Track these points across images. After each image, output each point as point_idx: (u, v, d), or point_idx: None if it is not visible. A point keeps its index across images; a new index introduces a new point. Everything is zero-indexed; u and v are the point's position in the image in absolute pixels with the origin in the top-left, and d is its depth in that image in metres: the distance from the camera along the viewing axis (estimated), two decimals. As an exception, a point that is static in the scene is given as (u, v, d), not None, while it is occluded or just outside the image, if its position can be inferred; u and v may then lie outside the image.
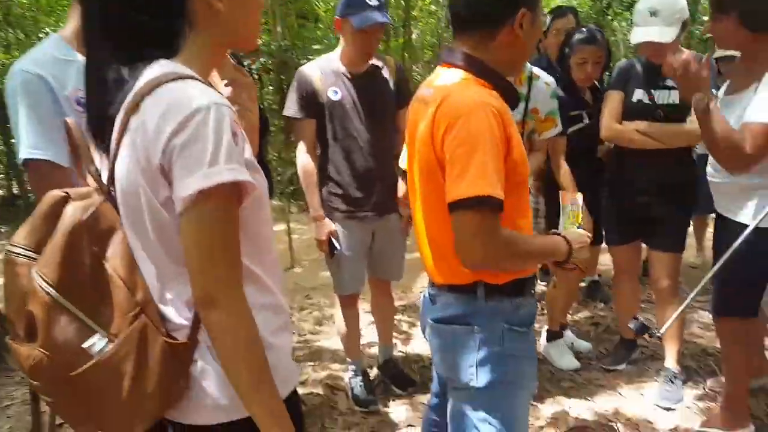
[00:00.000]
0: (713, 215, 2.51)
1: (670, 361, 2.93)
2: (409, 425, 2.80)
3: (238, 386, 1.04)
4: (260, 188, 1.08)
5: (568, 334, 3.42)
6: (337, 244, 2.76)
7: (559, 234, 1.54)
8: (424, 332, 1.71)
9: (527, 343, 1.54)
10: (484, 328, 1.46)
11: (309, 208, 2.83)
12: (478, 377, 1.46)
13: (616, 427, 2.64)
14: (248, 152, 1.08)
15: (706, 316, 3.85)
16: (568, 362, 3.20)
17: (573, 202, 1.82)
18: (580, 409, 2.81)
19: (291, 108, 2.72)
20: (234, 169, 0.98)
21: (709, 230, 4.66)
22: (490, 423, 1.49)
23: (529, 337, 1.54)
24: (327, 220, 2.76)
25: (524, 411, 1.59)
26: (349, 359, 3.10)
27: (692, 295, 2.10)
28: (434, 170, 1.41)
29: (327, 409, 3.00)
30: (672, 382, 2.86)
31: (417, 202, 1.56)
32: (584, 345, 3.41)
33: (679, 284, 2.92)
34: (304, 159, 2.75)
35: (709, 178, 2.38)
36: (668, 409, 2.77)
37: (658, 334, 2.19)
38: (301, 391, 3.16)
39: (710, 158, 2.30)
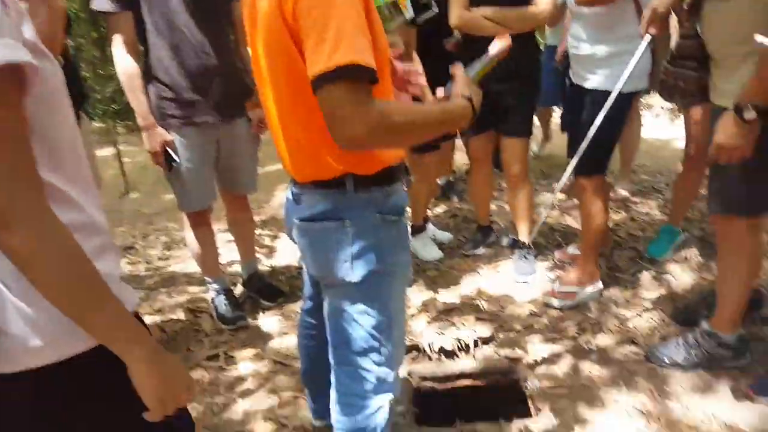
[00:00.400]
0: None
1: (523, 237, 3.11)
2: (283, 334, 2.70)
3: (73, 314, 0.85)
4: (52, 79, 0.86)
5: (430, 227, 3.48)
6: (174, 156, 2.44)
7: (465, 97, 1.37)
8: (290, 235, 1.55)
9: (401, 232, 1.46)
10: (356, 221, 1.36)
11: (137, 117, 2.44)
12: (354, 271, 1.38)
13: (480, 306, 2.76)
14: (29, 32, 0.83)
15: (551, 197, 4.16)
16: (432, 253, 3.27)
17: (494, 49, 1.56)
18: (446, 294, 2.90)
19: (100, 0, 2.25)
20: (7, 45, 0.75)
21: (554, 121, 5.00)
22: (369, 314, 1.43)
23: (401, 226, 1.46)
24: (159, 128, 2.41)
25: (401, 299, 1.54)
26: (208, 279, 2.87)
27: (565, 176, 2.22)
28: (286, 47, 1.18)
29: (191, 333, 2.78)
30: (525, 258, 3.05)
31: (268, 94, 1.34)
32: (445, 236, 3.51)
33: (528, 169, 3.05)
34: (123, 60, 2.33)
35: (570, 51, 2.58)
36: (524, 283, 2.96)
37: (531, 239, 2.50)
38: (158, 319, 2.89)
39: (572, 30, 2.51)
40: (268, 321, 2.83)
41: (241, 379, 2.43)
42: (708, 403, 2.03)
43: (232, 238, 3.09)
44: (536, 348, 2.44)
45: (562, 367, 2.31)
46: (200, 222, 2.70)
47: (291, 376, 2.41)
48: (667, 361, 2.23)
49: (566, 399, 2.13)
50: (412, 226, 3.31)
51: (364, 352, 1.46)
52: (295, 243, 1.52)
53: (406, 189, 1.51)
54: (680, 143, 5.31)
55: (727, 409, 1.99)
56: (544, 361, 2.35)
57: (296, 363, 2.44)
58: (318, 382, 1.79)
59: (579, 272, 2.78)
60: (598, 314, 2.63)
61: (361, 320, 1.43)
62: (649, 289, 2.81)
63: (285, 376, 2.41)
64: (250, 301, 3.01)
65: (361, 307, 1.42)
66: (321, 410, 1.97)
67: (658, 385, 2.15)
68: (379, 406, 1.51)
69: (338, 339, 1.49)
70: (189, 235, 2.74)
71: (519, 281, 2.98)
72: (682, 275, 2.90)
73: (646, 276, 2.92)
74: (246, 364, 2.52)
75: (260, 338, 2.70)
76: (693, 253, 3.07)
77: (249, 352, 2.60)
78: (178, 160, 2.44)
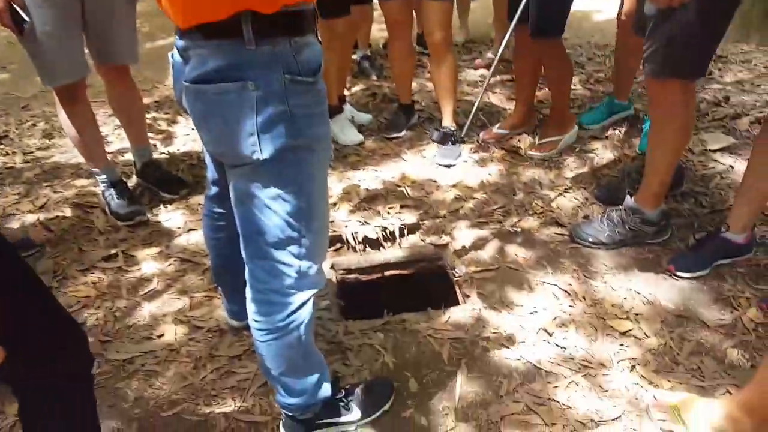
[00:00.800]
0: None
1: (447, 121, 2.94)
2: (190, 230, 2.44)
3: None
4: None
5: (348, 108, 3.22)
6: (23, 15, 1.98)
7: None
8: (181, 104, 1.27)
9: (318, 97, 1.21)
10: (260, 82, 1.10)
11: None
12: (262, 147, 1.14)
13: (405, 192, 2.62)
14: None
15: (473, 73, 3.97)
16: (351, 136, 3.04)
17: None
18: (368, 180, 2.72)
19: None
20: None
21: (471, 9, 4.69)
22: (283, 199, 1.21)
23: (317, 89, 1.21)
24: None
25: (322, 181, 1.32)
26: (94, 169, 2.50)
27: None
28: None
29: (81, 231, 2.46)
30: (449, 141, 2.88)
31: None
32: (365, 117, 3.26)
33: (451, 37, 2.80)
34: None
35: None
36: (448, 166, 2.83)
37: (462, 137, 2.38)
38: (41, 217, 2.54)
39: None
40: (170, 216, 2.54)
41: (145, 281, 2.19)
42: (630, 280, 2.05)
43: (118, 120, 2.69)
44: (462, 233, 2.35)
45: (488, 252, 2.24)
46: (72, 99, 2.30)
47: (201, 274, 2.20)
48: (591, 240, 2.22)
49: (493, 283, 2.08)
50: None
51: (281, 244, 1.27)
52: (188, 113, 1.24)
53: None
54: (600, 15, 5.23)
55: (649, 285, 2.02)
56: (471, 246, 2.28)
57: (206, 260, 2.23)
58: (232, 279, 1.63)
59: (557, 122, 2.90)
60: (523, 196, 2.57)
61: (275, 206, 1.22)
62: (573, 169, 2.76)
63: (194, 275, 2.20)
64: (149, 193, 2.69)
65: (273, 191, 1.21)
66: (237, 310, 1.82)
67: (583, 265, 2.14)
68: (302, 303, 1.35)
69: (249, 229, 1.28)
70: (62, 115, 2.35)
71: (443, 164, 2.84)
72: (605, 153, 2.87)
73: (569, 155, 2.87)
74: (149, 263, 2.27)
75: (163, 235, 2.43)
76: (618, 131, 3.04)
77: (152, 250, 2.34)
78: (27, 19, 1.98)
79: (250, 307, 1.38)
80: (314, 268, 1.35)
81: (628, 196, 2.19)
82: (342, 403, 1.60)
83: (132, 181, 2.72)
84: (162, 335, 1.95)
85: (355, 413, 1.61)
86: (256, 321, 1.38)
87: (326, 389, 1.53)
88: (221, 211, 1.56)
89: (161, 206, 2.61)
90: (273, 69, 1.11)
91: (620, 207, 2.22)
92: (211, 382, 1.77)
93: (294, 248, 1.29)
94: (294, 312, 1.35)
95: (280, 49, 1.11)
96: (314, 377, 1.49)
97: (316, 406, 1.53)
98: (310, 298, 1.38)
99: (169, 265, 2.27)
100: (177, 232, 2.44)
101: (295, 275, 1.32)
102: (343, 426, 1.60)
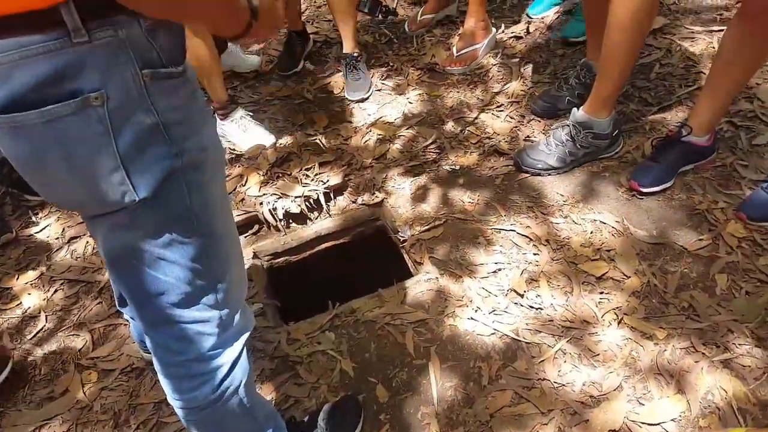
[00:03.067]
0: None
1: (348, 46, 2.48)
2: (71, 239, 1.97)
3: None
4: None
5: (232, 48, 2.67)
6: None
7: None
8: None
9: (190, 89, 0.83)
10: (107, 90, 0.72)
11: None
12: (135, 184, 0.78)
13: (320, 143, 2.21)
14: None
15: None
16: (258, 137, 2.53)
17: None
18: (274, 136, 2.27)
19: None
20: None
21: None
22: (180, 242, 0.86)
23: (188, 79, 0.82)
24: None
25: (220, 195, 0.94)
26: None
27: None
28: None
29: None
30: (355, 69, 2.47)
31: None
32: (252, 61, 2.72)
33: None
34: None
35: None
36: (361, 100, 2.43)
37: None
38: None
39: None
40: (44, 224, 2.06)
41: (30, 319, 1.76)
42: (592, 208, 1.82)
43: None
44: (396, 184, 2.02)
45: (430, 203, 1.94)
46: None
47: (98, 295, 1.80)
48: (540, 167, 1.95)
49: (444, 243, 1.79)
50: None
51: (191, 299, 0.92)
52: (7, 156, 0.80)
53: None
54: None
55: (614, 210, 1.80)
56: (410, 199, 1.96)
57: (99, 276, 1.83)
58: None
59: (472, 28, 2.54)
60: (452, 125, 2.23)
61: (171, 255, 0.86)
62: (500, 80, 2.44)
63: (89, 299, 1.79)
64: (11, 201, 2.15)
65: (164, 237, 0.84)
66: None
67: (536, 199, 1.89)
68: (234, 360, 1.02)
69: (142, 294, 0.91)
70: None
71: (354, 100, 2.43)
72: (532, 54, 2.54)
73: (492, 64, 2.53)
74: (30, 294, 1.82)
75: (40, 251, 1.97)
76: (545, 24, 2.70)
77: (29, 275, 1.88)
78: None
79: (166, 386, 1.03)
80: (238, 309, 1.02)
81: (574, 109, 1.92)
82: None
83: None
84: (65, 391, 1.56)
85: None
86: (177, 400, 1.03)
87: None
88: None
89: (30, 214, 2.09)
90: (122, 65, 0.72)
91: (566, 122, 1.95)
92: (140, 444, 1.43)
93: (209, 298, 0.94)
94: (226, 376, 1.02)
95: (126, 34, 0.70)
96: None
97: None
98: (242, 348, 1.05)
99: (56, 291, 1.83)
100: (56, 245, 1.98)
101: (217, 329, 0.98)
102: (314, 471, 1.33)
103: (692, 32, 2.42)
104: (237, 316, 1.02)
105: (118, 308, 1.45)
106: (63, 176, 0.77)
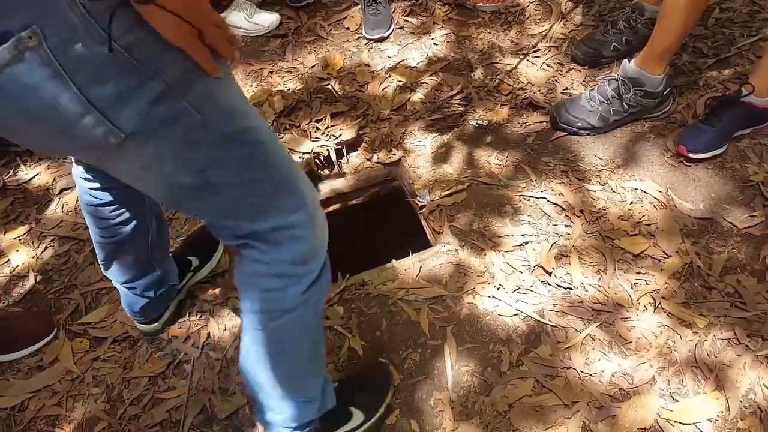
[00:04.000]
0: None
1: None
2: (62, 190, 1.85)
3: None
4: None
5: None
6: None
7: None
8: None
9: None
10: (40, 23, 0.62)
11: None
12: (115, 120, 0.71)
13: (332, 89, 2.03)
14: None
15: None
16: (263, 20, 2.32)
17: None
18: (281, 78, 2.09)
19: None
20: None
21: None
22: (221, 162, 0.83)
23: None
24: None
25: (234, 91, 0.84)
26: None
27: None
28: None
29: None
30: (375, 2, 2.23)
31: None
32: None
33: None
34: None
35: None
36: (381, 39, 2.21)
37: None
38: None
39: None
40: (33, 172, 1.94)
41: (18, 279, 1.67)
42: (633, 175, 1.64)
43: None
44: (417, 141, 1.84)
45: (453, 164, 1.77)
46: None
47: (92, 255, 1.67)
48: (580, 125, 1.76)
49: (467, 210, 1.64)
50: None
51: (262, 211, 0.89)
52: None
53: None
54: None
55: (657, 178, 1.62)
56: (431, 160, 1.79)
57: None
58: (127, 268, 1.31)
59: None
60: (482, 72, 2.02)
61: (214, 176, 0.83)
62: (537, 21, 2.19)
63: (81, 257, 1.68)
64: (-3, 148, 2.02)
65: (195, 162, 0.81)
66: (143, 307, 1.41)
67: (572, 162, 1.71)
68: (320, 267, 0.98)
69: (213, 222, 0.92)
70: None
71: (373, 38, 2.22)
72: (571, -7, 2.28)
73: (530, 3, 2.27)
74: (19, 252, 1.73)
75: (29, 204, 1.86)
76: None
77: (18, 231, 1.79)
78: None
79: (250, 291, 0.97)
80: (318, 208, 0.97)
81: (625, 61, 1.70)
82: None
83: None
84: (55, 360, 1.48)
85: (357, 416, 1.23)
86: (261, 301, 0.96)
87: (331, 395, 1.15)
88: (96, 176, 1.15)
89: (18, 161, 1.97)
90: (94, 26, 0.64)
91: (614, 76, 1.73)
92: (134, 420, 1.36)
93: (281, 204, 0.90)
94: (314, 282, 0.97)
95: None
96: (321, 378, 1.11)
97: (315, 422, 1.13)
98: (326, 259, 1.01)
99: (46, 248, 1.73)
100: (47, 197, 1.86)
101: (308, 232, 0.94)
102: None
103: (759, -31, 2.12)
104: (320, 214, 0.96)
105: (103, 273, 1.35)
106: (32, 132, 0.71)
